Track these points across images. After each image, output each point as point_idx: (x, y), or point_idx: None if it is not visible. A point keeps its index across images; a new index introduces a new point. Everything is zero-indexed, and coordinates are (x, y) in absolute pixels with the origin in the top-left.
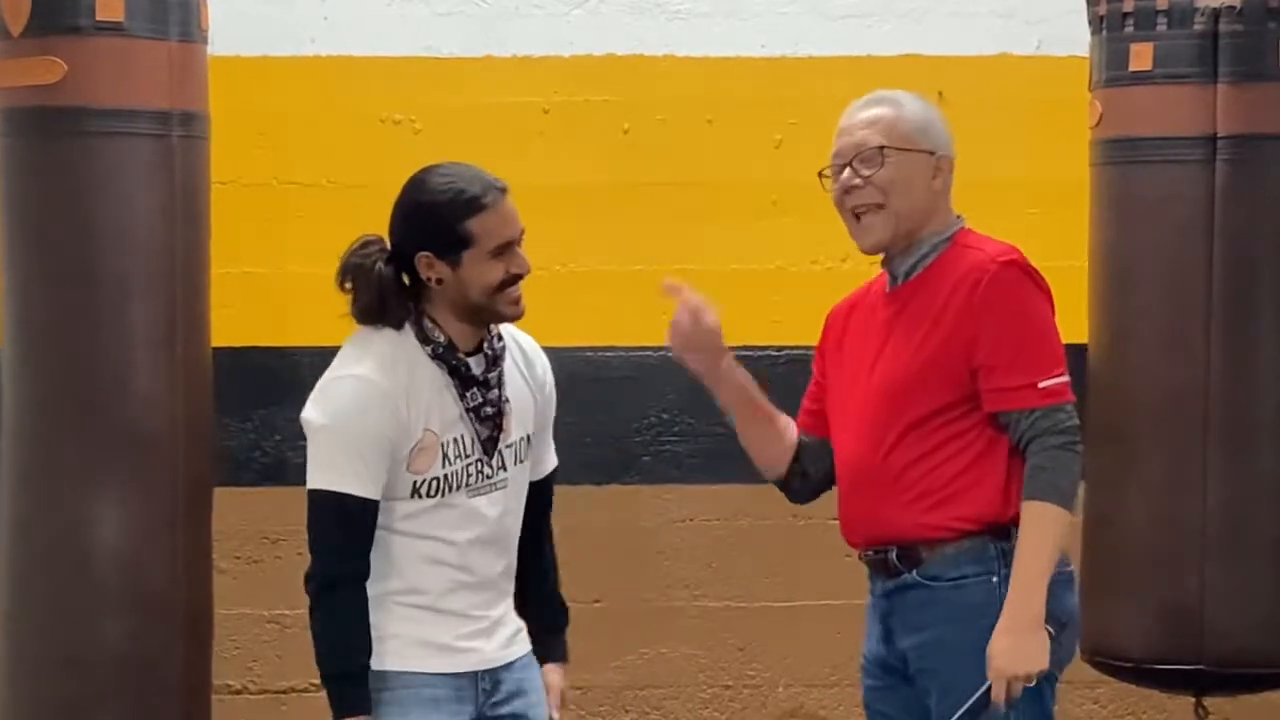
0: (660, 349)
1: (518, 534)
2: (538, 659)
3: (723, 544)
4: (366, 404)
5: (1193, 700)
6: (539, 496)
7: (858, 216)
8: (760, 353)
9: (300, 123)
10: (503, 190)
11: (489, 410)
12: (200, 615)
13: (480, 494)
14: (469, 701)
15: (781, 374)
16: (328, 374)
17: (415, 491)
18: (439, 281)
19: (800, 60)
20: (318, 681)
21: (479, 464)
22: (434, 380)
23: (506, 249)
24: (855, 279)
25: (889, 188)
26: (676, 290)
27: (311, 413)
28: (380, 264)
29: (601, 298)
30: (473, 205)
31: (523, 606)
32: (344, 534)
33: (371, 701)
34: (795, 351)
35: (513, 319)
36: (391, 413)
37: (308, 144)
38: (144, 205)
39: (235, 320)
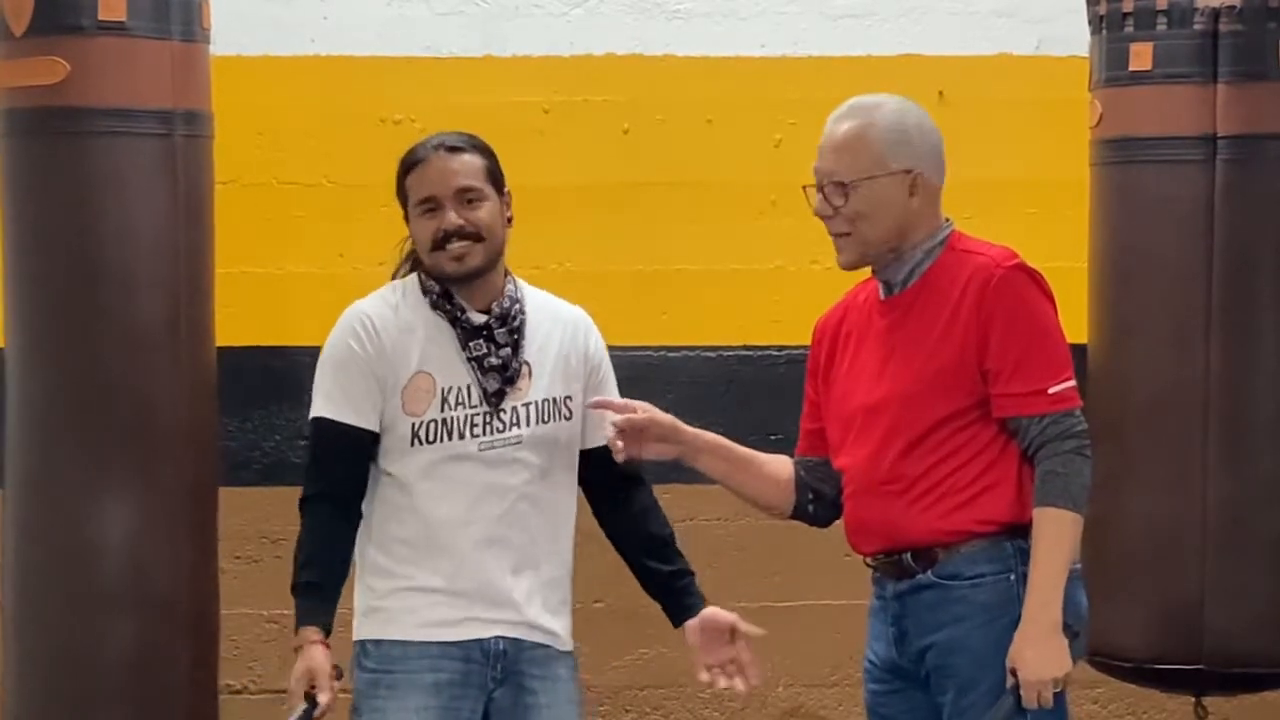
0: (660, 349)
1: (560, 502)
2: (675, 619)
3: (723, 544)
4: (344, 332)
5: (1193, 700)
6: (606, 463)
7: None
8: (760, 353)
9: (300, 123)
10: (450, 148)
11: (494, 361)
12: (206, 615)
13: (494, 447)
14: (475, 685)
15: (781, 374)
16: None
17: (415, 436)
18: (410, 239)
19: (800, 60)
20: None
21: (486, 416)
22: (436, 328)
23: (432, 205)
24: (854, 280)
25: (856, 219)
26: (603, 406)
27: None
28: None
29: (601, 298)
30: (409, 162)
31: (637, 571)
32: (318, 454)
33: (330, 619)
34: (795, 351)
35: (454, 275)
36: (369, 336)
37: (308, 144)
38: (147, 205)
39: (234, 320)
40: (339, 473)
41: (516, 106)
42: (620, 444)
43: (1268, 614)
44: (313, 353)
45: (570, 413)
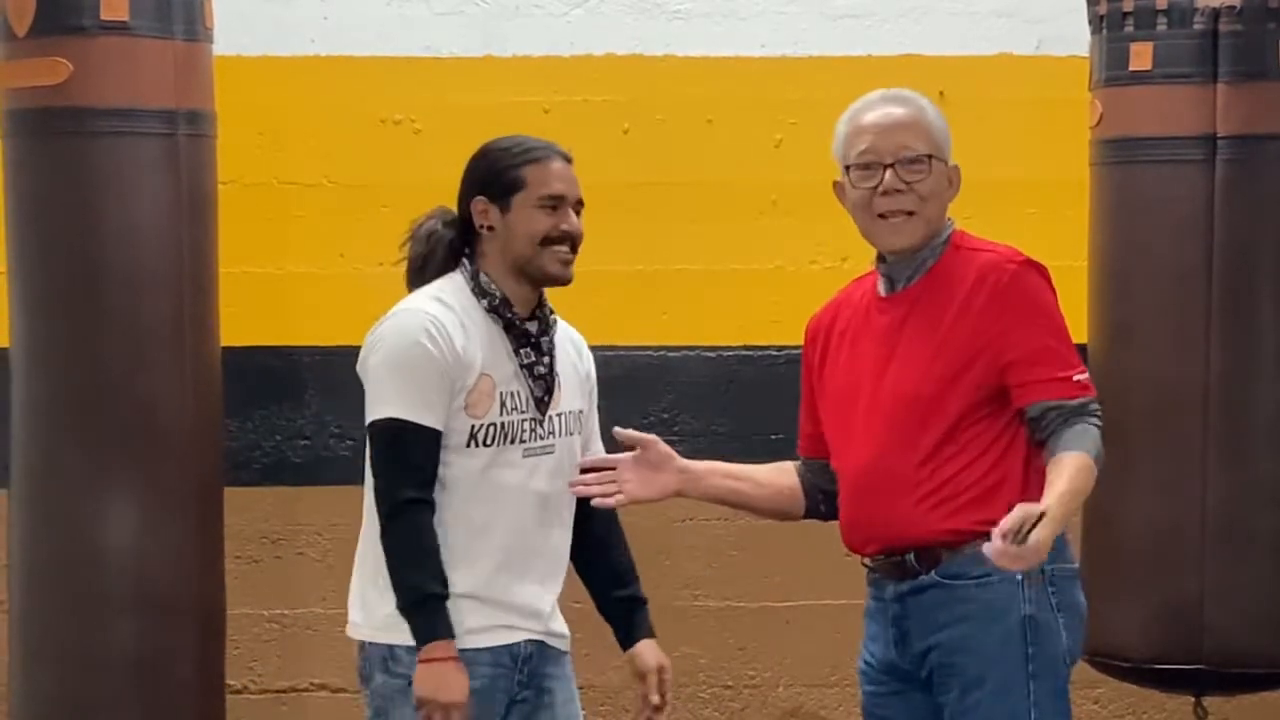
0: (660, 349)
1: (570, 516)
2: (624, 642)
3: (723, 544)
4: (416, 332)
5: (1192, 700)
6: None
7: (883, 216)
8: (760, 353)
9: (300, 123)
10: (564, 156)
11: (541, 369)
12: (212, 614)
13: (534, 455)
14: (501, 690)
15: (781, 374)
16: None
17: (473, 438)
18: (490, 228)
19: (800, 60)
20: (318, 681)
21: (533, 422)
22: (490, 331)
23: (557, 202)
24: (851, 278)
25: (929, 196)
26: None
27: (367, 356)
28: (434, 222)
29: (601, 298)
30: (529, 153)
31: (596, 594)
32: (402, 460)
33: (453, 630)
34: (795, 351)
35: (559, 279)
36: (444, 339)
37: (308, 144)
38: (150, 204)
39: (235, 320)
40: (423, 474)
41: (516, 106)
42: (589, 490)
43: (1268, 614)
44: (313, 352)
45: (584, 428)
